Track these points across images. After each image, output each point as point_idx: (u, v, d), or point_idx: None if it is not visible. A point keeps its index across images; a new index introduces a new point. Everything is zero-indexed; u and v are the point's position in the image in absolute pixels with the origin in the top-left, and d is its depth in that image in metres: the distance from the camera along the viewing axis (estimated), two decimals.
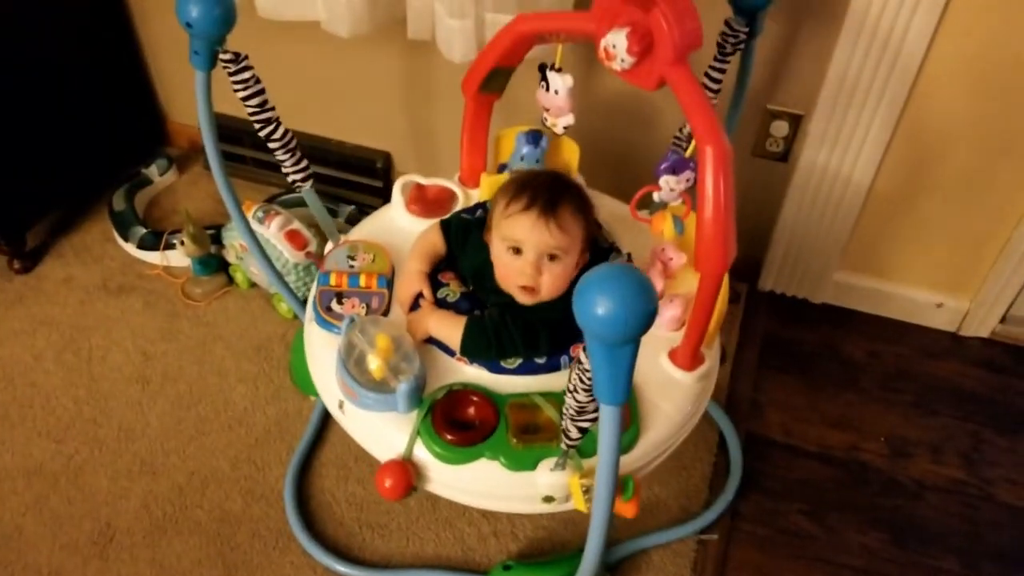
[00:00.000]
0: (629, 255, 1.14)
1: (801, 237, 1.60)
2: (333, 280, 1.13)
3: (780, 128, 1.48)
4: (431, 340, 1.07)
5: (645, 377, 1.04)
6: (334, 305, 1.10)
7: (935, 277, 1.61)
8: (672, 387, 1.05)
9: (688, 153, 1.06)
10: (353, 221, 1.66)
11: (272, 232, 1.49)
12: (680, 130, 1.23)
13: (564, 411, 0.88)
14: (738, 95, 1.27)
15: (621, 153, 1.54)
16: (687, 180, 1.04)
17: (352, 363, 0.99)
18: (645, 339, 0.69)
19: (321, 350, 1.09)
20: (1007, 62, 1.28)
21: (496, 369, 1.04)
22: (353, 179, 1.79)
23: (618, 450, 0.76)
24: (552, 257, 1.03)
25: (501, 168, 1.26)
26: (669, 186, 1.05)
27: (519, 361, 1.04)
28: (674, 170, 1.03)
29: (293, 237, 1.50)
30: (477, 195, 1.26)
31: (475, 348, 1.04)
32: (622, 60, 0.93)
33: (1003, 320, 1.62)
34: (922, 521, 1.38)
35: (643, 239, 1.19)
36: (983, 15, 1.24)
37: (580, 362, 0.79)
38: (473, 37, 1.34)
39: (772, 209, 1.59)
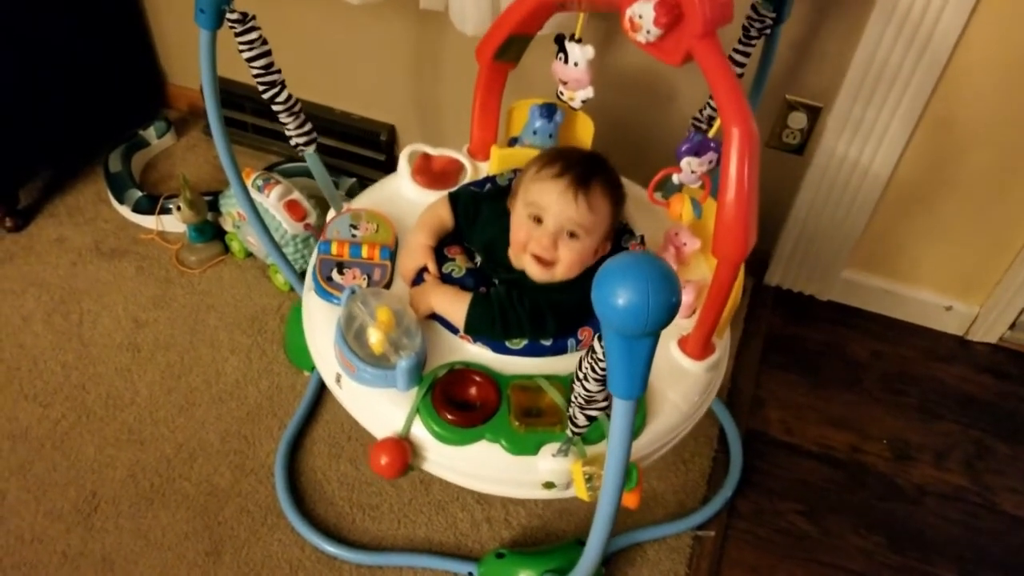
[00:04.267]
0: (642, 237, 1.10)
1: (812, 232, 1.57)
2: (334, 249, 1.09)
3: (798, 120, 1.45)
4: (434, 316, 1.04)
5: (653, 364, 1.00)
6: (334, 275, 1.06)
7: (946, 279, 1.59)
8: (681, 376, 1.02)
9: (712, 133, 1.03)
10: (354, 194, 1.61)
11: (271, 202, 1.46)
12: (700, 112, 1.20)
13: (572, 398, 0.85)
14: (759, 82, 1.24)
15: (636, 132, 1.50)
16: (709, 162, 1.01)
17: (352, 335, 0.95)
18: None
19: (319, 321, 1.05)
20: None
21: (500, 349, 1.01)
22: (356, 151, 1.76)
23: (629, 445, 0.73)
24: (572, 235, 1.00)
25: (512, 142, 1.23)
26: (691, 168, 1.01)
27: (524, 342, 1.01)
28: (697, 152, 1.00)
29: (292, 207, 1.47)
30: (486, 168, 1.22)
31: (480, 326, 1.00)
32: (648, 31, 0.89)
33: (1012, 327, 1.60)
34: (921, 527, 1.36)
35: (656, 222, 1.15)
36: (1018, 8, 1.20)
37: (594, 351, 0.76)
38: (488, 9, 1.31)
39: (784, 203, 1.56)
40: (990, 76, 1.28)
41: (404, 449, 0.94)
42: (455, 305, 1.01)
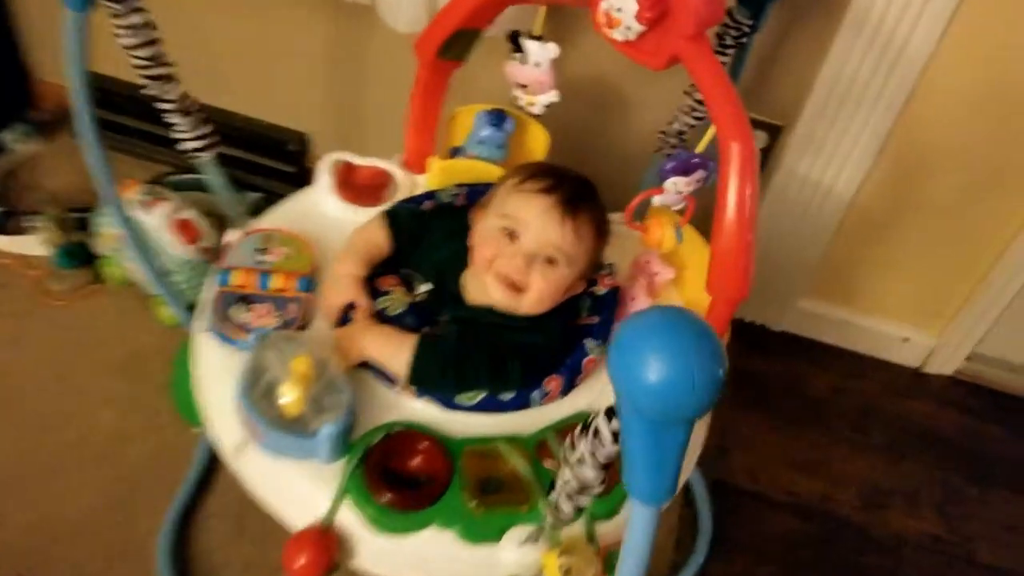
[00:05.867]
0: (612, 266, 0.97)
1: (768, 258, 1.47)
2: (236, 279, 0.89)
3: (757, 138, 1.38)
4: (365, 364, 0.86)
5: None
6: (236, 312, 0.87)
7: (904, 310, 1.56)
8: None
9: (700, 148, 0.92)
10: (259, 211, 1.45)
11: (156, 220, 1.25)
12: (668, 125, 1.10)
13: (559, 483, 0.70)
14: None
15: (591, 146, 1.41)
16: (698, 181, 0.89)
17: (259, 393, 0.77)
18: None
19: (215, 372, 0.86)
20: (1012, 84, 1.21)
21: (450, 404, 0.84)
22: (261, 162, 1.60)
23: (647, 563, 0.59)
24: (550, 260, 0.86)
25: (454, 152, 1.09)
26: (676, 188, 0.90)
27: (480, 395, 0.84)
28: (686, 170, 0.88)
29: (183, 227, 1.27)
30: (423, 182, 1.07)
31: (428, 375, 0.82)
32: (627, 28, 0.79)
33: (968, 358, 1.57)
34: None
35: (620, 248, 1.01)
36: (991, 31, 1.17)
37: (598, 432, 0.61)
38: (424, 3, 1.19)
39: None
40: (958, 100, 1.25)
41: (328, 543, 0.74)
42: (395, 350, 0.83)
